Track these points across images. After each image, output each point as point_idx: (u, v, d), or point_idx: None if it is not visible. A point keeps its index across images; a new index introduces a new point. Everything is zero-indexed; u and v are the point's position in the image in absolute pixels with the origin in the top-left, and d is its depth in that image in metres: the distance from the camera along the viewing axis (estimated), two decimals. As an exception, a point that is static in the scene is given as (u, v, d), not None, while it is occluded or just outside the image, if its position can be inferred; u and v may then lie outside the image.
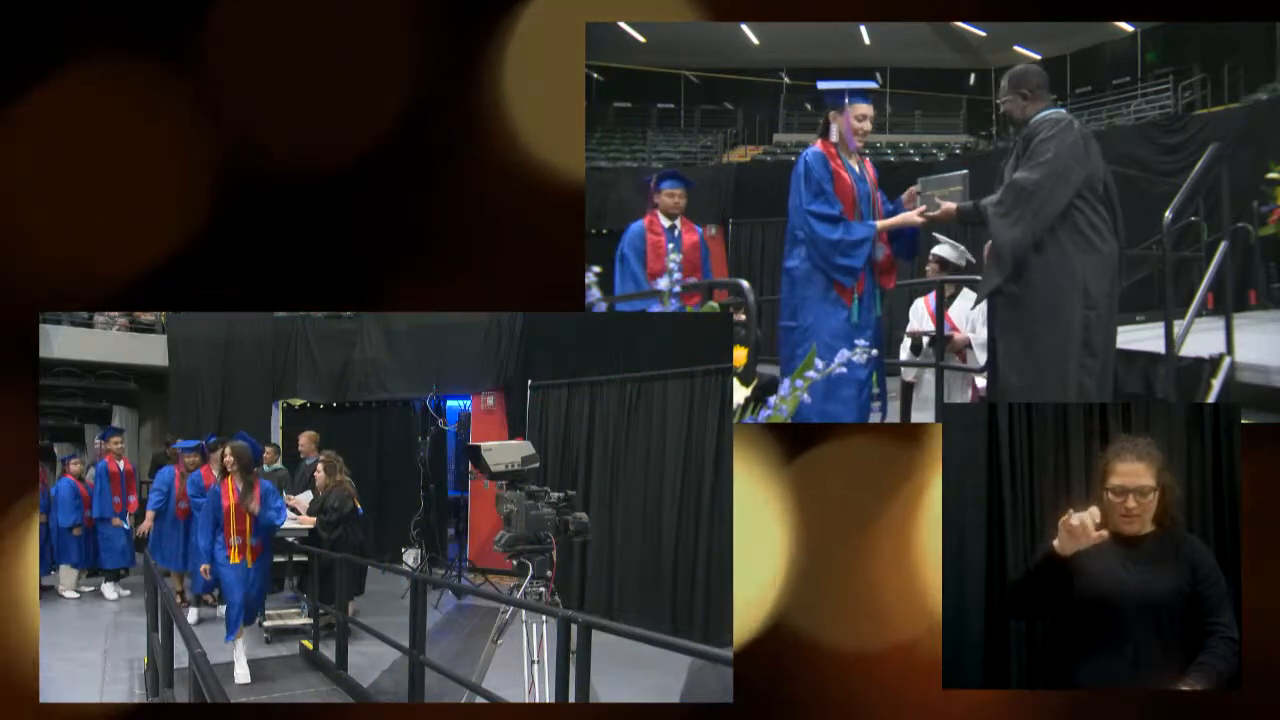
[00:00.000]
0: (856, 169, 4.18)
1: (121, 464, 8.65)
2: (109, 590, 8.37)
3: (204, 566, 5.93)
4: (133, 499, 8.68)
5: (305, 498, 7.62)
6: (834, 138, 4.17)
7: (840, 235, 4.04)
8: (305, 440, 8.66)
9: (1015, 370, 3.55)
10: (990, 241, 3.60)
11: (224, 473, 5.95)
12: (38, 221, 2.56)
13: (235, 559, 5.78)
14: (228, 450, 5.95)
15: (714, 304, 5.11)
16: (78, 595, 8.43)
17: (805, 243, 4.08)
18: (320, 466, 7.46)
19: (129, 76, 2.56)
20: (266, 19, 2.57)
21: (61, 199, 2.58)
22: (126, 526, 8.48)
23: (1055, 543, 2.18)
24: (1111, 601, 2.18)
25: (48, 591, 8.37)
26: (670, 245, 5.38)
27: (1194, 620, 2.18)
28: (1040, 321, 3.48)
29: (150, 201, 2.58)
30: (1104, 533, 2.16)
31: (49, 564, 8.42)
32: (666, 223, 5.49)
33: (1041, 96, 3.59)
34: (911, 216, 4.04)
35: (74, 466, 8.74)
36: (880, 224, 4.09)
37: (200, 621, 7.18)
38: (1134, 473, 2.16)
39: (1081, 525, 2.14)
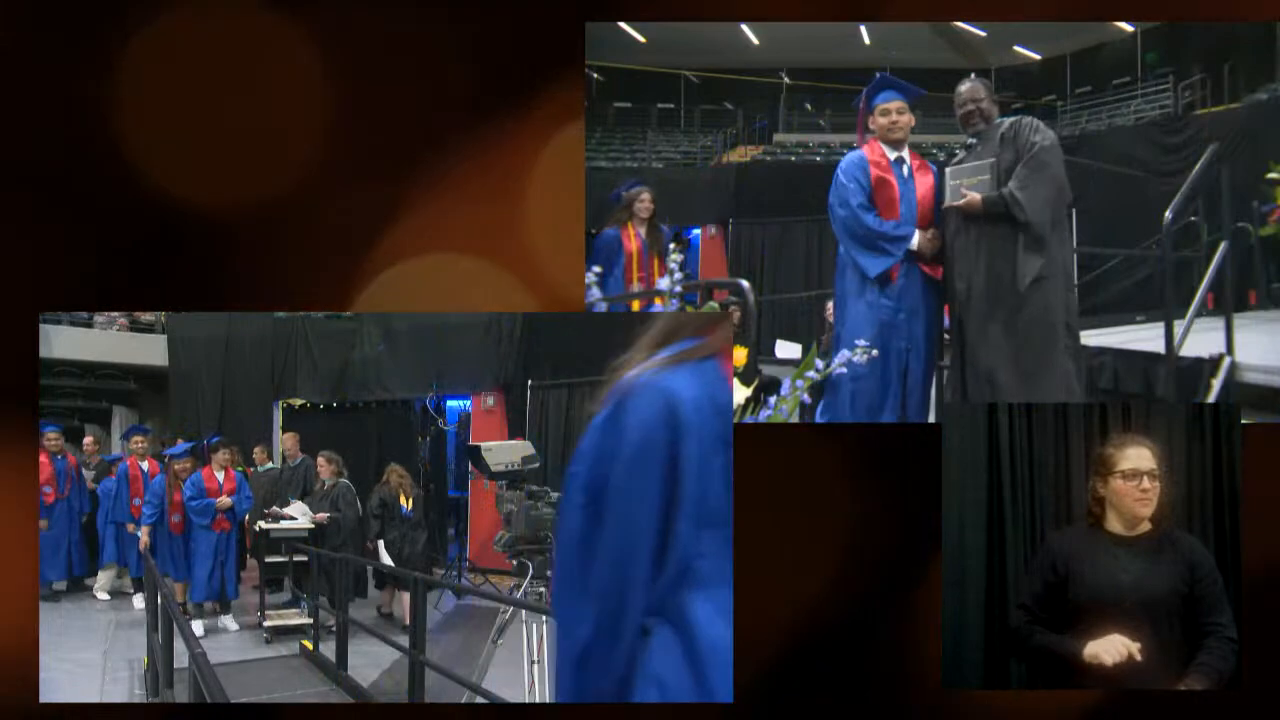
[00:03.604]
0: None
1: (145, 465, 8.05)
2: (137, 601, 7.96)
3: None
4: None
5: (298, 509, 7.44)
6: None
7: None
8: (290, 441, 8.50)
9: (998, 355, 3.55)
10: (931, 233, 3.75)
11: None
12: (38, 221, 2.56)
13: None
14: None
15: (714, 304, 5.08)
16: (109, 598, 8.22)
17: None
18: (322, 460, 7.43)
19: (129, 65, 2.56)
20: (273, 20, 2.57)
21: (62, 198, 2.58)
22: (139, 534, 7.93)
23: (1085, 652, 2.18)
24: (1109, 601, 2.18)
25: (85, 591, 8.30)
26: (900, 187, 3.80)
27: (1192, 620, 2.18)
28: (1025, 307, 3.50)
29: (150, 199, 2.58)
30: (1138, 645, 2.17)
31: (87, 563, 8.28)
32: (892, 154, 3.86)
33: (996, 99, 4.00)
34: None
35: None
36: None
37: (206, 634, 7.12)
38: (1142, 456, 2.20)
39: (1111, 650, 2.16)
